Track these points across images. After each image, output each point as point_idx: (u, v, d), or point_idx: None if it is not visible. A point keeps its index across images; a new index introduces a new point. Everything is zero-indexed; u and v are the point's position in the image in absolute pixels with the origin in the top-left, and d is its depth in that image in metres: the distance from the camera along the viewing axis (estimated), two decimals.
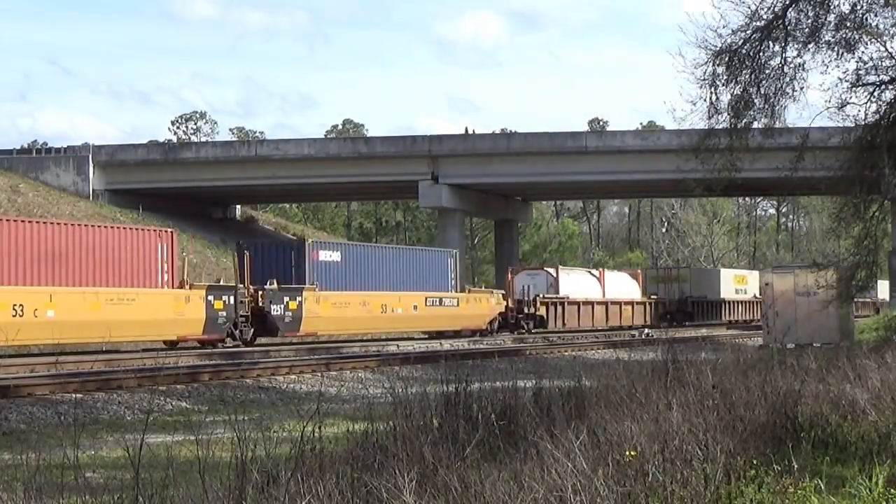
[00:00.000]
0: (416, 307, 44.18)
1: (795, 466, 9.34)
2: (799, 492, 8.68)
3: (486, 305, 49.03)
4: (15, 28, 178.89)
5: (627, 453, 8.62)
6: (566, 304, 54.32)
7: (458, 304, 46.72)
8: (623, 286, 61.99)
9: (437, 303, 45.56)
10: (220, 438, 8.79)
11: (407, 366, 27.18)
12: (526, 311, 51.68)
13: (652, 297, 64.29)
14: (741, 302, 74.01)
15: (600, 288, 59.29)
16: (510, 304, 51.05)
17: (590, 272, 61.88)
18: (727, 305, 71.77)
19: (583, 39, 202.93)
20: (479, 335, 46.98)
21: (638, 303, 61.85)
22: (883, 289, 71.97)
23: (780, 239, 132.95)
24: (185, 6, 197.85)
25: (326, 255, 40.82)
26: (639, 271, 67.87)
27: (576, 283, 57.03)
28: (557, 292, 54.81)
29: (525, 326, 51.24)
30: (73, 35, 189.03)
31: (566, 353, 34.81)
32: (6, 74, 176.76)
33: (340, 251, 42.34)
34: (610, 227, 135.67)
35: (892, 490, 8.98)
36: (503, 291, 52.87)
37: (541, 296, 52.71)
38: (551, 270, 57.54)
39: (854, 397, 13.37)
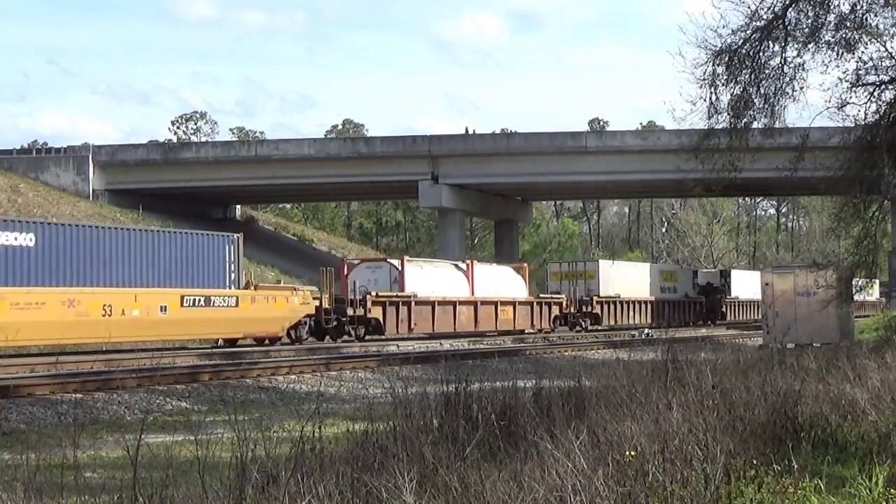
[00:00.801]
0: (164, 308, 33.59)
1: (795, 466, 9.34)
2: (799, 492, 8.68)
3: (282, 307, 38.36)
4: (14, 28, 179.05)
5: (627, 453, 8.61)
6: (413, 303, 44.05)
7: (236, 305, 36.31)
8: (501, 283, 51.68)
9: (202, 302, 34.96)
10: (219, 438, 8.79)
11: (407, 366, 27.17)
12: (352, 312, 41.32)
13: (552, 295, 55.06)
14: (669, 303, 64.86)
15: (468, 284, 49.06)
16: (326, 304, 40.54)
17: (456, 265, 51.02)
18: (647, 307, 62.05)
19: (582, 39, 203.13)
20: (272, 343, 38.62)
21: (522, 303, 51.44)
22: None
23: (780, 239, 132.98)
24: (184, 6, 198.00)
25: (8, 238, 29.89)
26: (525, 265, 57.09)
27: (429, 279, 46.65)
28: (403, 289, 44.63)
29: (352, 332, 41.47)
30: (73, 35, 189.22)
31: (566, 353, 34.82)
32: (5, 74, 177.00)
33: (35, 232, 30.75)
34: (610, 227, 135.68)
35: (892, 490, 8.98)
36: (314, 288, 42.64)
37: (373, 294, 42.58)
38: (396, 262, 46.80)
39: (854, 397, 13.37)
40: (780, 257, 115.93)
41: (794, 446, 10.53)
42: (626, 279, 61.36)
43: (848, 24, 23.75)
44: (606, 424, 9.96)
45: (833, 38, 23.91)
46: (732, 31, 23.87)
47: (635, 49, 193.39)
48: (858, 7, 23.76)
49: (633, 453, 8.59)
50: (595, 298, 57.40)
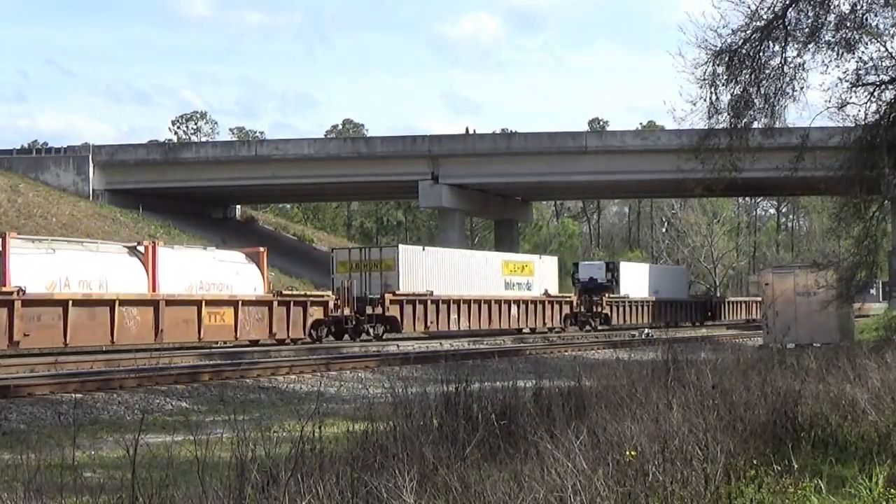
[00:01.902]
0: None
1: (795, 466, 9.33)
2: (799, 492, 8.68)
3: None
4: (13, 28, 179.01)
5: (627, 453, 8.61)
6: (16, 303, 29.14)
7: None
8: (211, 273, 36.96)
9: None
10: (219, 438, 8.79)
11: (407, 366, 27.17)
12: None
13: (316, 294, 42.24)
14: (517, 301, 51.81)
15: (146, 276, 34.42)
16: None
17: (128, 247, 35.70)
18: (480, 310, 48.99)
19: (582, 39, 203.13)
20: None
21: (250, 303, 37.20)
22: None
23: (780, 239, 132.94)
24: (183, 6, 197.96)
25: None
26: (262, 250, 40.39)
27: (54, 266, 31.56)
28: (4, 283, 29.77)
29: None
30: (72, 35, 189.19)
31: (566, 353, 34.82)
32: (5, 74, 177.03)
33: None
34: (610, 227, 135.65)
35: (892, 490, 8.97)
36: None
37: None
38: None
39: (854, 397, 13.36)
40: (780, 257, 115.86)
41: (794, 446, 10.53)
42: (443, 272, 47.69)
43: (848, 24, 23.75)
44: (606, 424, 9.96)
45: (833, 38, 23.93)
46: (732, 31, 23.89)
47: (635, 49, 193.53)
48: (858, 7, 23.78)
49: (633, 453, 8.59)
50: (390, 297, 43.69)
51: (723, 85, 24.26)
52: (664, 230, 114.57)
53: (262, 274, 39.49)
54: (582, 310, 57.25)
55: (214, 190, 69.88)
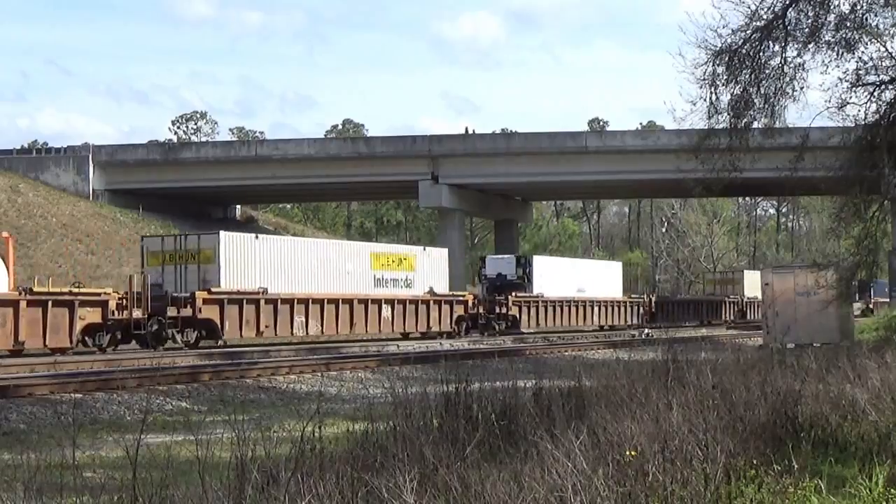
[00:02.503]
0: None
1: (795, 466, 9.34)
2: (799, 492, 8.68)
3: None
4: (12, 28, 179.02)
5: (627, 453, 8.61)
6: None
7: None
8: None
9: None
10: (219, 438, 8.78)
11: (407, 366, 27.17)
12: None
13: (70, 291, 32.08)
14: (390, 301, 43.86)
15: None
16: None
17: None
18: (334, 310, 41.01)
19: (582, 39, 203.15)
20: None
21: None
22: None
23: (780, 239, 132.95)
24: (182, 6, 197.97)
25: None
26: (4, 235, 32.99)
27: None
28: None
29: None
30: (71, 35, 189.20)
31: (566, 353, 34.83)
32: (4, 74, 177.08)
33: None
34: (610, 227, 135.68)
35: (892, 490, 8.97)
36: None
37: None
38: None
39: (854, 397, 13.36)
40: (780, 257, 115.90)
41: (794, 446, 10.53)
42: (284, 266, 39.80)
43: (848, 24, 23.72)
44: (606, 424, 9.95)
45: (833, 38, 23.89)
46: (732, 31, 23.84)
47: (634, 49, 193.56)
48: (858, 7, 23.74)
49: (633, 453, 8.59)
50: (204, 296, 35.90)
51: (723, 85, 24.23)
52: (664, 230, 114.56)
53: (7, 266, 30.97)
54: (481, 311, 49.36)
55: (214, 190, 69.89)
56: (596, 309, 59.11)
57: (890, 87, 25.06)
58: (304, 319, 39.72)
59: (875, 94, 24.95)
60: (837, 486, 9.44)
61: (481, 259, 59.21)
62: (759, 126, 25.13)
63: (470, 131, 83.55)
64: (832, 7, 23.85)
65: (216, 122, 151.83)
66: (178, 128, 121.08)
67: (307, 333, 40.31)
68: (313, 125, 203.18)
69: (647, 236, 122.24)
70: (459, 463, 8.45)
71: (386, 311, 43.72)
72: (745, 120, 24.73)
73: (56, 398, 19.11)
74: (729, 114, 24.56)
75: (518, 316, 51.89)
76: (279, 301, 38.61)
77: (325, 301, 40.75)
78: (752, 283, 73.05)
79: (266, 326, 38.17)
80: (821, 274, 31.06)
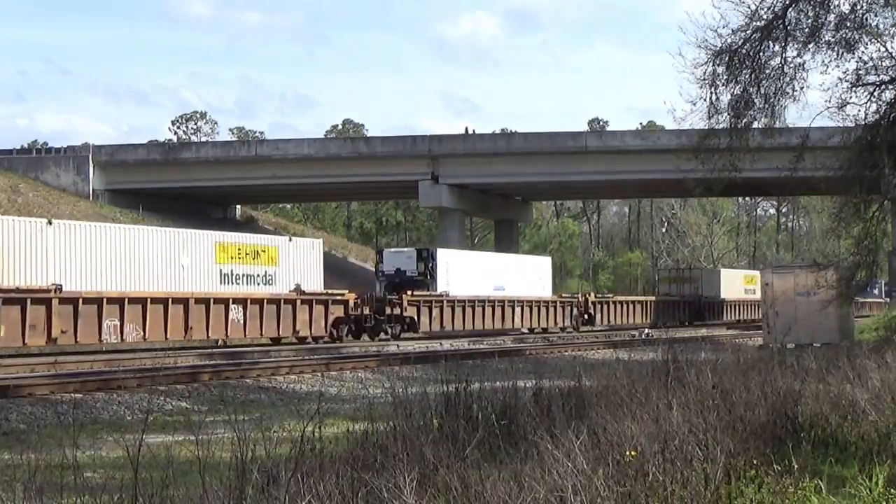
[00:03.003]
0: None
1: (795, 466, 9.34)
2: (799, 492, 8.68)
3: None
4: (11, 28, 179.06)
5: (627, 453, 8.62)
6: None
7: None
8: None
9: None
10: (220, 438, 8.79)
11: (407, 366, 27.20)
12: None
13: None
14: (240, 301, 37.82)
15: None
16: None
17: None
18: (162, 311, 34.78)
19: (581, 39, 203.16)
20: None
21: None
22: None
23: (780, 239, 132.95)
24: (181, 6, 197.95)
25: None
26: None
27: None
28: None
29: None
30: (70, 35, 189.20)
31: (566, 353, 34.84)
32: (3, 74, 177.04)
33: None
34: (610, 227, 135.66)
35: (892, 490, 8.98)
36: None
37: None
38: None
39: (854, 397, 13.37)
40: (780, 257, 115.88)
41: (794, 446, 10.53)
42: (96, 256, 33.66)
43: (848, 24, 23.73)
44: (606, 424, 9.96)
45: (833, 38, 23.90)
46: (732, 31, 23.84)
47: (634, 49, 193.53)
48: (858, 7, 23.75)
49: (633, 453, 8.59)
50: None
51: (723, 85, 24.23)
52: (664, 230, 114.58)
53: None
54: (366, 312, 43.53)
55: (214, 190, 69.86)
56: (518, 310, 52.60)
57: (890, 87, 25.06)
58: (117, 324, 33.12)
59: (875, 94, 24.95)
60: (837, 486, 9.44)
61: (377, 253, 52.16)
62: (759, 126, 25.13)
63: (470, 131, 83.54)
64: (832, 7, 23.86)
65: (216, 122, 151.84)
66: (178, 128, 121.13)
67: (122, 340, 33.64)
68: (313, 125, 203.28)
69: (647, 236, 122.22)
70: (459, 463, 8.45)
71: (235, 311, 37.41)
72: (745, 120, 24.73)
73: (56, 398, 19.12)
74: (729, 114, 24.56)
75: (416, 317, 45.76)
76: (80, 301, 32.01)
77: (148, 301, 34.16)
78: (712, 281, 72.65)
79: (63, 332, 31.55)
80: (821, 274, 31.07)
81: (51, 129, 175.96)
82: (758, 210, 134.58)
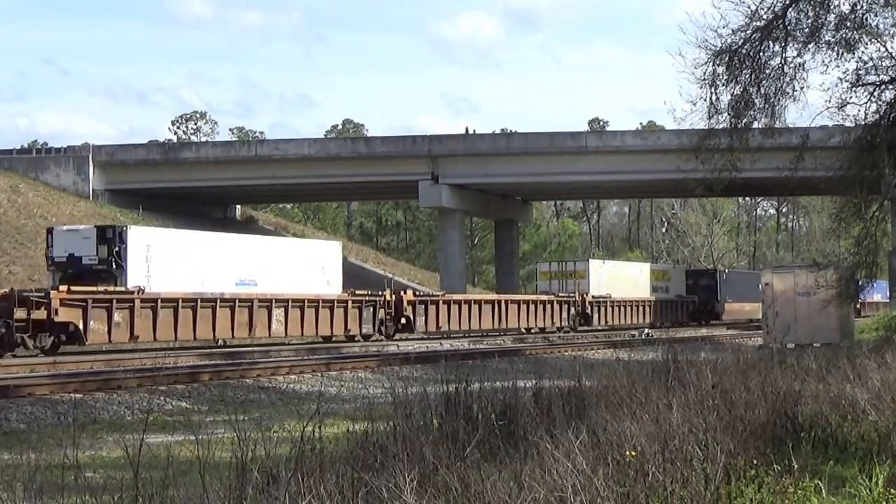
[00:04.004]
0: None
1: (795, 466, 9.34)
2: (799, 492, 8.68)
3: None
4: (10, 27, 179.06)
5: (627, 453, 8.62)
6: None
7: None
8: None
9: None
10: (220, 438, 8.80)
11: (407, 366, 27.20)
12: None
13: None
14: None
15: None
16: None
17: None
18: None
19: (581, 39, 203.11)
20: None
21: None
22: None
23: (780, 239, 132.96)
24: (180, 6, 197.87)
25: None
26: None
27: None
28: None
29: None
30: (69, 34, 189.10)
31: (566, 353, 34.85)
32: (2, 74, 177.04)
33: None
34: (610, 227, 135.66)
35: (892, 490, 8.98)
36: None
37: None
38: None
39: (854, 397, 13.37)
40: (780, 257, 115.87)
41: (794, 446, 10.53)
42: None
43: (848, 24, 23.74)
44: (606, 424, 9.96)
45: (833, 38, 23.91)
46: (732, 31, 23.86)
47: (634, 49, 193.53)
48: (858, 7, 23.76)
49: (633, 453, 8.59)
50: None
51: (723, 85, 24.25)
52: (664, 230, 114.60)
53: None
54: None
55: (214, 190, 69.85)
56: (279, 312, 38.88)
57: (890, 87, 25.07)
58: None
59: (875, 94, 24.97)
60: (837, 486, 9.44)
61: (48, 232, 36.62)
62: (760, 126, 25.14)
63: (470, 131, 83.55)
64: (832, 7, 23.88)
65: (216, 122, 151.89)
66: (178, 128, 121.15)
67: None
68: (313, 125, 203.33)
69: (647, 236, 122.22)
70: (459, 463, 8.45)
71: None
72: (746, 120, 24.75)
73: (56, 398, 19.11)
74: (729, 114, 24.58)
75: (82, 325, 31.39)
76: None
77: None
78: (599, 277, 59.78)
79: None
80: (821, 274, 31.07)
81: (51, 129, 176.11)
82: (758, 210, 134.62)
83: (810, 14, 23.82)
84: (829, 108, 25.02)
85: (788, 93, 24.40)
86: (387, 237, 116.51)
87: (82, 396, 19.51)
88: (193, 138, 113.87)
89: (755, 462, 9.19)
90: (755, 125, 25.10)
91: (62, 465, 7.90)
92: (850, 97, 24.90)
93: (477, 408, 11.62)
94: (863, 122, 25.20)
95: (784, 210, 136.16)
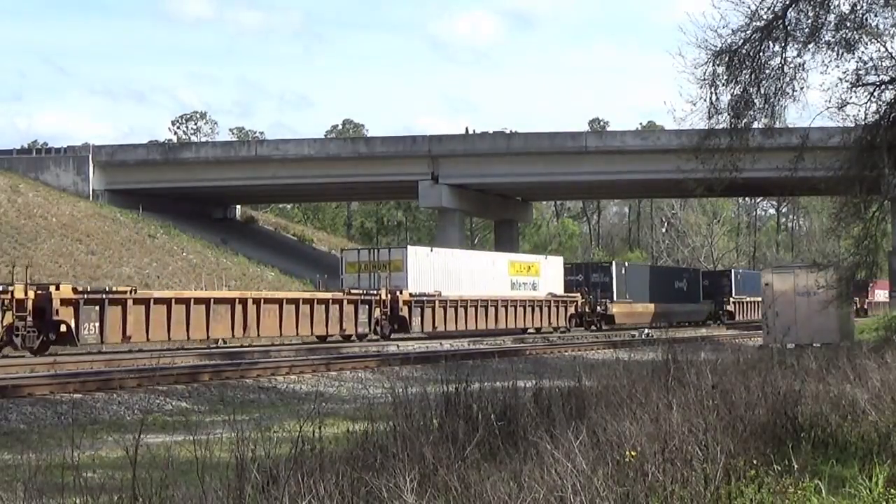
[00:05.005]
0: None
1: (795, 466, 9.34)
2: (799, 492, 8.68)
3: None
4: (9, 27, 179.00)
5: (627, 453, 8.61)
6: None
7: None
8: None
9: None
10: (219, 438, 8.79)
11: (407, 366, 27.18)
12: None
13: None
14: None
15: None
16: None
17: None
18: None
19: (579, 39, 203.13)
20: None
21: None
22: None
23: (780, 239, 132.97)
24: (179, 6, 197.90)
25: None
26: None
27: None
28: None
29: None
30: (69, 34, 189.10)
31: (566, 353, 34.84)
32: (2, 74, 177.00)
33: None
34: (610, 227, 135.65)
35: (892, 490, 8.97)
36: None
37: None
38: None
39: (854, 397, 13.37)
40: (780, 257, 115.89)
41: (794, 446, 10.52)
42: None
43: (848, 24, 23.72)
44: (606, 424, 9.95)
45: (833, 38, 23.90)
46: (732, 31, 23.84)
47: (634, 49, 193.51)
48: (858, 7, 23.74)
49: (633, 453, 8.59)
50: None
51: (723, 85, 24.23)
52: (664, 230, 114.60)
53: None
54: None
55: (214, 190, 69.86)
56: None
57: (890, 87, 25.06)
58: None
59: (875, 94, 24.95)
60: (837, 487, 9.44)
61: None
62: (759, 126, 25.12)
63: (470, 131, 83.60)
64: (832, 7, 23.86)
65: (216, 123, 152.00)
66: (178, 128, 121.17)
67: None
68: (312, 125, 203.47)
69: (647, 236, 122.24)
70: (459, 463, 8.45)
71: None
72: (745, 120, 24.73)
73: (56, 398, 19.10)
74: (729, 114, 24.56)
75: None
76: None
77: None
78: (420, 269, 47.78)
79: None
80: (821, 274, 31.05)
81: (50, 129, 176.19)
82: (758, 210, 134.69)
83: (810, 14, 23.81)
84: (829, 108, 25.01)
85: (788, 93, 24.38)
86: (387, 237, 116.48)
87: (82, 396, 19.50)
88: (193, 138, 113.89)
89: (755, 462, 9.19)
90: (755, 125, 25.08)
91: (62, 465, 7.90)
92: (850, 97, 24.88)
93: (477, 408, 11.60)
94: (863, 123, 25.18)
95: (784, 210, 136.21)
